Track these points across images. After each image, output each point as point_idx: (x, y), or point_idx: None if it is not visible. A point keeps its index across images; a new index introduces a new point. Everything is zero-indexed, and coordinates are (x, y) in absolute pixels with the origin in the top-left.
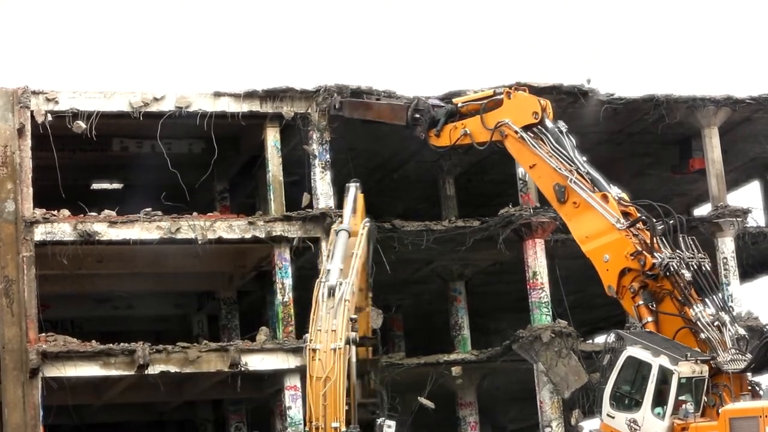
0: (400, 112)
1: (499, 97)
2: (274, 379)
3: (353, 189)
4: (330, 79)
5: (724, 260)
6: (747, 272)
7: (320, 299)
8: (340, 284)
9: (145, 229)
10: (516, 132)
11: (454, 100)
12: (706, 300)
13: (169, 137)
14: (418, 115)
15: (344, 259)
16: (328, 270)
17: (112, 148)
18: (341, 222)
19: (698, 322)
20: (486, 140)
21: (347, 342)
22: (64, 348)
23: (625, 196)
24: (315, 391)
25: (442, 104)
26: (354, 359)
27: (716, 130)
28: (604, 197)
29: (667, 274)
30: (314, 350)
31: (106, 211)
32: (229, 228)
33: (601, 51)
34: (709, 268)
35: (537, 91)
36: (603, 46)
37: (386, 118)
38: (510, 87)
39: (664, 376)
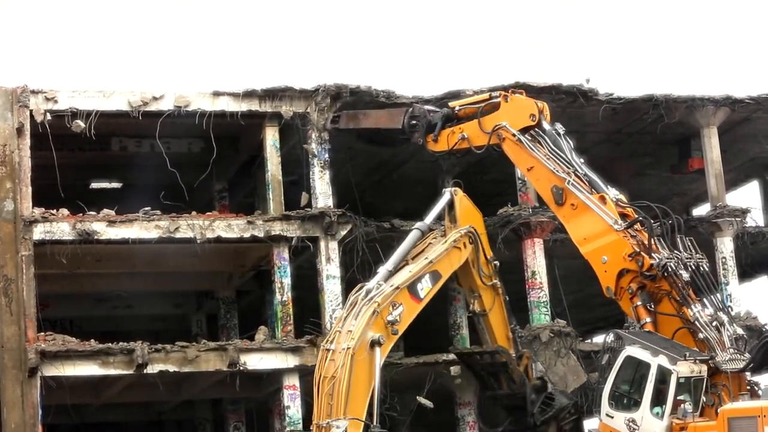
0: (397, 116)
1: (495, 100)
2: (273, 379)
3: (447, 195)
4: (329, 78)
5: (723, 260)
6: (746, 272)
7: (350, 301)
8: (378, 286)
9: (144, 229)
10: (513, 135)
11: (451, 104)
12: (705, 300)
13: (168, 136)
14: (414, 122)
15: (401, 260)
16: (377, 271)
17: (111, 148)
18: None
19: (696, 322)
20: (484, 144)
21: (373, 344)
22: (63, 347)
23: (622, 197)
24: (321, 391)
25: (438, 109)
26: (379, 360)
27: (715, 129)
28: (602, 199)
29: (665, 274)
30: (328, 350)
31: (105, 211)
32: (228, 227)
33: (601, 51)
34: (707, 269)
35: (536, 91)
36: (603, 46)
37: (383, 123)
38: (508, 88)
39: (663, 375)
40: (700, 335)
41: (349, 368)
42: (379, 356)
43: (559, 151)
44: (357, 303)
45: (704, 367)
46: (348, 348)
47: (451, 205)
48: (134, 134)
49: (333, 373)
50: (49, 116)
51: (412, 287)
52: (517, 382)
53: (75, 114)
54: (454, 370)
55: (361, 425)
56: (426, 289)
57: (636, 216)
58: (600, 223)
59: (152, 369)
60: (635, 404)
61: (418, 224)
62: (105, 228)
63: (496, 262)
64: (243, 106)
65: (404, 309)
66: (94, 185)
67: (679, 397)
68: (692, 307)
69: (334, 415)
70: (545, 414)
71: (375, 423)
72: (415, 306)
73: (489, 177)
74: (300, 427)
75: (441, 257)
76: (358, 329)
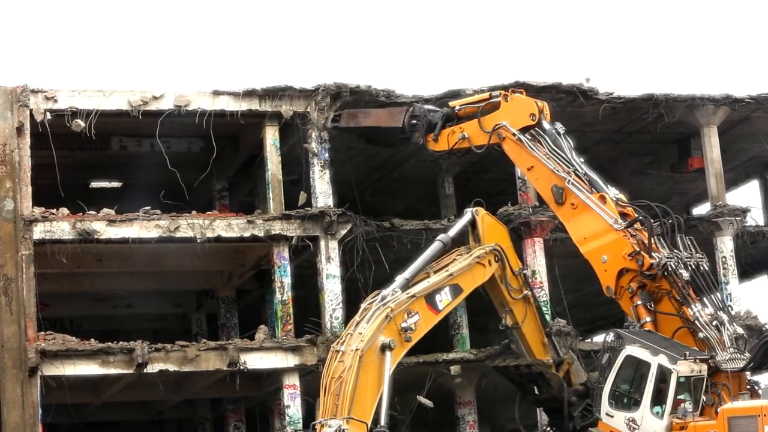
0: (397, 115)
1: (496, 99)
2: (273, 378)
3: (468, 215)
4: (329, 78)
5: (723, 259)
6: (746, 271)
7: (364, 306)
8: (393, 293)
9: (144, 228)
10: (513, 134)
11: (451, 104)
12: (705, 299)
13: (168, 136)
14: (414, 121)
15: (420, 270)
16: (394, 279)
17: (111, 147)
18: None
19: (696, 322)
20: (484, 143)
21: (383, 348)
22: (63, 346)
23: (622, 196)
24: (327, 391)
25: (438, 109)
26: (389, 365)
27: (715, 129)
28: (602, 198)
29: (665, 274)
30: (338, 351)
31: (105, 210)
32: (228, 227)
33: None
34: (707, 268)
35: (536, 90)
36: (602, 47)
37: (384, 122)
38: (508, 87)
39: (663, 375)
40: (700, 334)
41: (356, 369)
42: (390, 361)
43: (559, 151)
44: (371, 308)
45: (704, 367)
46: (357, 349)
47: (473, 224)
48: (134, 133)
49: (340, 374)
50: (49, 115)
51: (430, 298)
52: (554, 387)
53: (75, 113)
54: (454, 369)
55: (362, 426)
56: (445, 301)
57: (636, 215)
58: (600, 222)
59: (152, 368)
60: (635, 403)
61: (441, 236)
62: (105, 227)
63: (525, 271)
64: (243, 106)
65: (420, 318)
66: (94, 184)
67: (679, 397)
68: (692, 306)
69: (339, 415)
70: (586, 420)
71: (382, 424)
72: (433, 317)
73: (489, 176)
74: (300, 426)
75: (463, 272)
76: (368, 332)
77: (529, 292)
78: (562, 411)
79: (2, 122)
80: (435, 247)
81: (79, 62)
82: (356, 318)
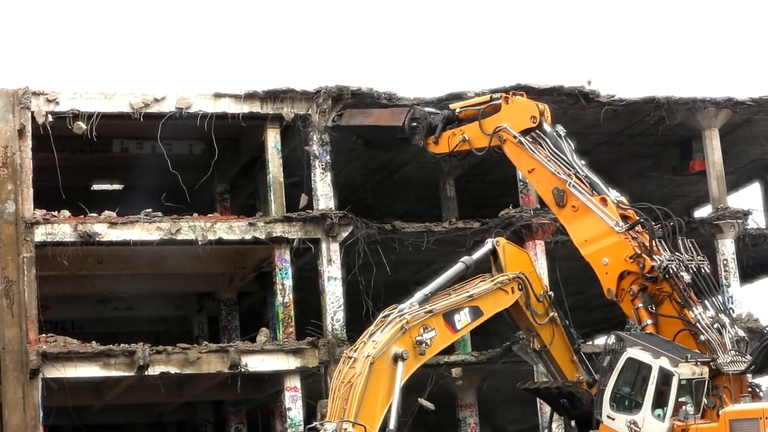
0: (399, 115)
1: (496, 101)
2: (275, 380)
3: (489, 245)
4: (330, 80)
5: (725, 262)
6: (747, 274)
7: (380, 317)
8: (411, 306)
9: (145, 230)
10: (514, 137)
11: (451, 106)
12: (706, 302)
13: (169, 138)
14: (415, 124)
15: (440, 288)
16: (413, 294)
17: (113, 149)
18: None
19: (698, 324)
20: (484, 146)
21: (396, 358)
22: (64, 349)
23: (623, 199)
24: (336, 395)
25: (439, 111)
26: (400, 375)
27: (717, 131)
28: (603, 200)
29: (667, 276)
30: (350, 358)
31: (107, 212)
32: (230, 229)
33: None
34: (708, 271)
35: (537, 92)
36: (604, 49)
37: (385, 121)
38: (509, 89)
39: (665, 377)
40: (702, 337)
41: (366, 375)
42: (401, 371)
43: (560, 153)
44: (387, 320)
45: (706, 369)
46: (369, 356)
47: (494, 254)
48: (135, 136)
49: (350, 379)
50: (50, 118)
51: (448, 316)
52: (586, 403)
53: (76, 115)
54: (456, 372)
55: (361, 429)
56: (464, 321)
57: (637, 218)
58: (601, 225)
59: (153, 371)
60: (636, 406)
61: (464, 258)
62: (106, 230)
63: (551, 293)
64: (244, 108)
65: (437, 335)
66: (96, 187)
67: (680, 399)
68: (693, 309)
69: (344, 419)
70: None
71: (391, 428)
72: (450, 335)
73: (490, 179)
74: (301, 428)
75: (484, 295)
76: (382, 340)
77: (555, 314)
78: (590, 423)
79: (4, 125)
80: (457, 268)
81: (80, 64)
82: (371, 328)
